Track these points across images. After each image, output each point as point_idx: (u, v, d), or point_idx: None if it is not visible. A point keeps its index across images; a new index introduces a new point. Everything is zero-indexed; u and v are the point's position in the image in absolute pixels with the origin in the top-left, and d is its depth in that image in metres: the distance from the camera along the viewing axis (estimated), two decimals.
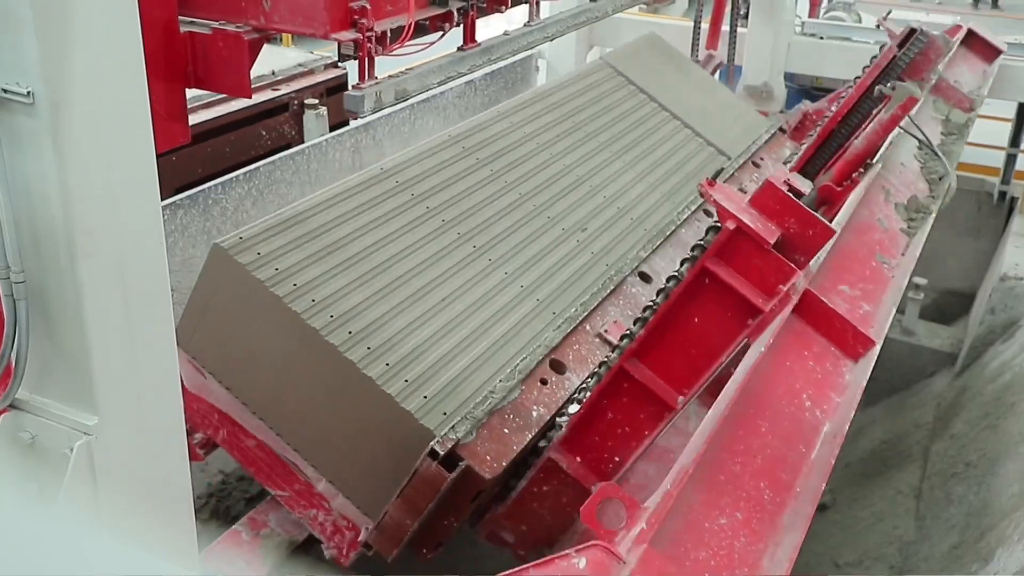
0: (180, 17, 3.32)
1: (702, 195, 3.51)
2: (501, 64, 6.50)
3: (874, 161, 5.30)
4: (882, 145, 5.28)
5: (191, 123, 6.38)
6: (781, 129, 7.54)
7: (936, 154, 5.64)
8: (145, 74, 2.79)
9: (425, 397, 3.77)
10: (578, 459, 4.08)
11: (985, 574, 5.02)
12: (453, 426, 3.70)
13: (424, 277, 4.25)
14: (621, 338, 4.04)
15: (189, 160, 6.07)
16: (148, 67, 2.80)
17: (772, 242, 3.43)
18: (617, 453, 4.05)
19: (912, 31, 5.93)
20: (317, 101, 6.84)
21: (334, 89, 7.16)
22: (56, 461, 2.85)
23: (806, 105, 8.02)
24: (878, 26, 7.19)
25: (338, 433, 3.82)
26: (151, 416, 3.07)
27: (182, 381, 3.65)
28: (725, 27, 8.76)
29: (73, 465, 2.83)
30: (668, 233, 5.51)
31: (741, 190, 6.37)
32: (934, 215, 5.32)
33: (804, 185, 3.76)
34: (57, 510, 2.84)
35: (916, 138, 5.61)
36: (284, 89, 7.05)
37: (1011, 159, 9.69)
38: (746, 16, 8.82)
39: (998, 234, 9.53)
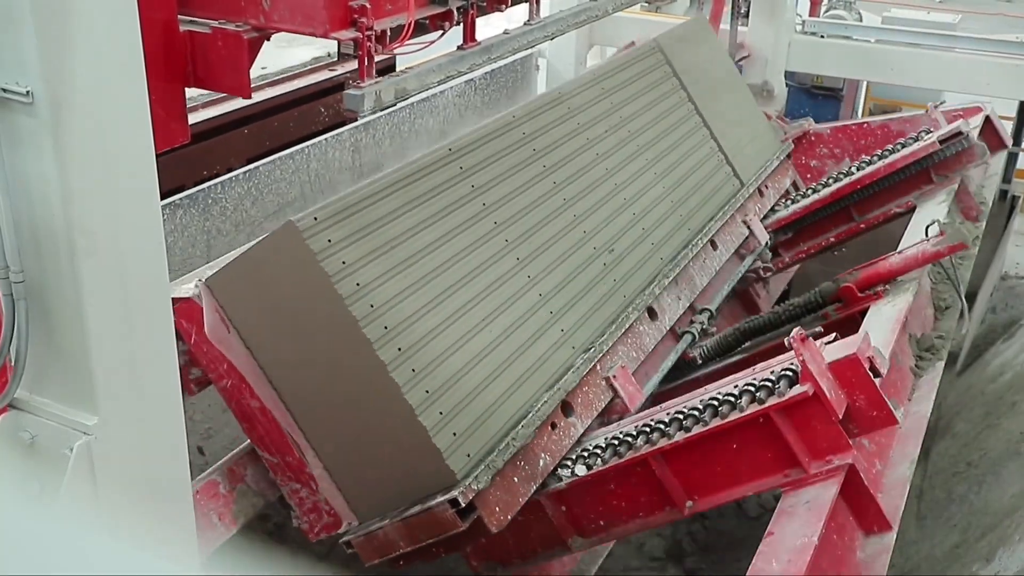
0: (180, 16, 3.31)
1: (790, 347, 3.62)
2: (501, 63, 6.50)
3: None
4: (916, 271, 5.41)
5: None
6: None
7: (958, 293, 5.73)
8: (145, 73, 2.79)
9: (454, 434, 3.75)
10: (563, 509, 4.20)
11: (987, 574, 5.02)
12: (476, 476, 3.68)
13: (470, 290, 4.16)
14: (652, 430, 4.04)
15: (260, 132, 6.91)
16: (148, 66, 2.80)
17: (840, 415, 3.60)
18: (604, 520, 4.16)
19: (958, 133, 6.31)
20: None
21: (384, 70, 7.44)
22: (56, 461, 2.85)
23: (808, 123, 8.05)
24: (926, 111, 7.31)
25: (358, 438, 3.80)
26: (151, 416, 3.07)
27: (201, 327, 3.73)
28: (725, 26, 8.74)
29: (73, 465, 2.83)
30: (679, 269, 5.47)
31: (745, 222, 6.41)
32: (944, 360, 5.29)
33: (883, 364, 3.87)
34: (57, 509, 2.84)
35: (948, 277, 5.68)
36: (340, 70, 7.91)
37: (1012, 158, 9.67)
38: (746, 15, 8.82)
39: (999, 233, 9.52)
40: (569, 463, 4.20)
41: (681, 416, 3.98)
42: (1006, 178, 9.65)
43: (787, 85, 9.19)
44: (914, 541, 6.17)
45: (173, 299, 3.58)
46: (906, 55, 9.12)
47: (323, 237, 3.62)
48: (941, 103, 7.51)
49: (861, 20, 10.70)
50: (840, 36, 9.54)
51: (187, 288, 3.85)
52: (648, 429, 4.06)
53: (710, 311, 5.70)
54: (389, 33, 3.46)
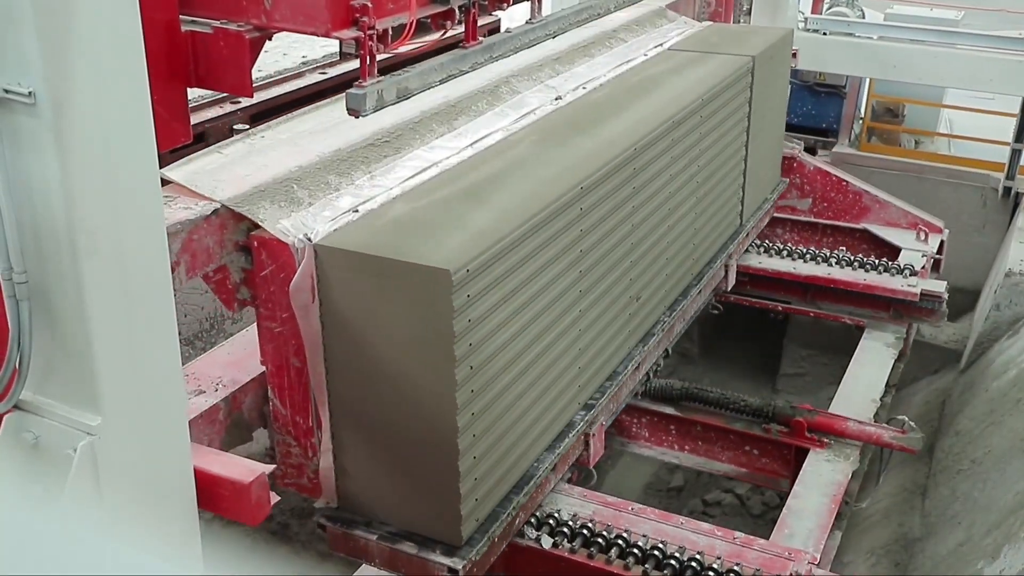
0: (181, 16, 3.31)
1: None
2: None
3: None
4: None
5: (328, 76, 6.03)
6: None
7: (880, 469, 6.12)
8: (146, 74, 2.79)
9: (476, 500, 3.77)
10: (511, 561, 4.30)
11: (991, 571, 5.01)
12: (478, 548, 3.75)
13: (541, 344, 4.07)
14: (626, 549, 4.21)
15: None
16: (149, 67, 2.80)
17: None
18: None
19: (939, 296, 6.92)
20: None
21: (445, 48, 7.41)
22: (60, 461, 2.85)
23: (798, 150, 8.40)
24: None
25: (386, 448, 3.75)
26: (154, 416, 3.07)
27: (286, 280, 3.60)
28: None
29: (76, 465, 2.83)
30: (674, 321, 5.46)
31: (726, 265, 6.30)
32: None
33: None
34: (61, 510, 2.84)
35: (881, 455, 6.00)
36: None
37: (1016, 154, 9.66)
38: (749, 12, 8.81)
39: (1003, 230, 9.50)
40: (533, 520, 4.30)
41: (658, 555, 4.16)
42: (1009, 175, 9.64)
43: (789, 82, 9.18)
44: (919, 539, 6.16)
45: (265, 230, 3.60)
46: (909, 52, 9.12)
47: (463, 292, 3.46)
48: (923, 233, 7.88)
49: (863, 17, 10.67)
50: (842, 33, 9.54)
51: (286, 228, 3.65)
52: (623, 544, 4.21)
53: (667, 351, 5.74)
54: (391, 32, 3.45)
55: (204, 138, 5.66)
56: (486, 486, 3.85)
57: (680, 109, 5.19)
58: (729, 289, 6.64)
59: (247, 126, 5.34)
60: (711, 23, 7.56)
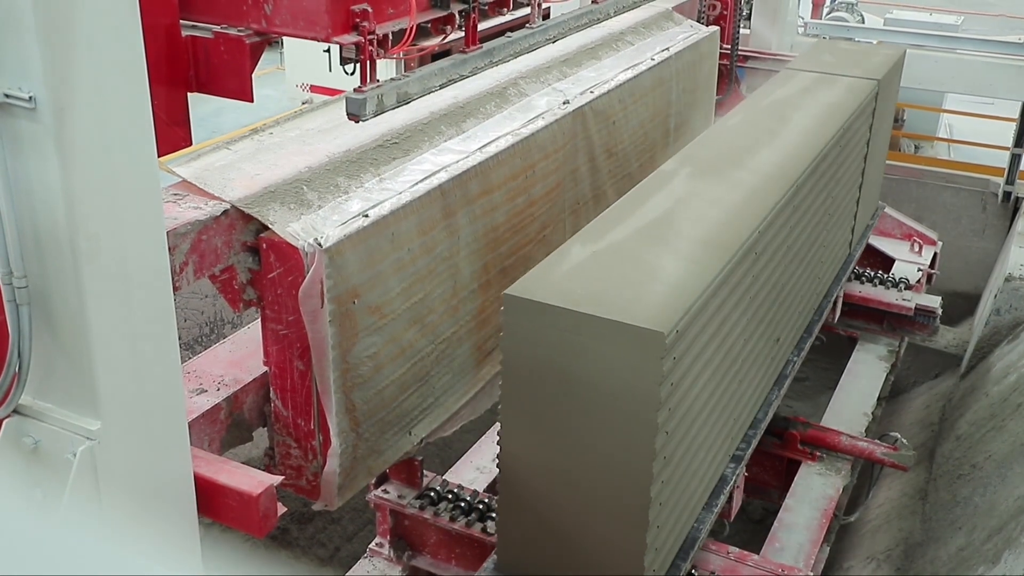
0: (182, 21, 3.31)
1: None
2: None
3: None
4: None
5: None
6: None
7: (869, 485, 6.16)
8: (147, 79, 2.79)
9: (653, 570, 3.60)
10: None
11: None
12: None
13: (716, 412, 3.89)
14: None
15: None
16: (150, 72, 2.80)
17: None
18: None
19: (933, 311, 6.99)
20: None
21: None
22: (59, 466, 2.85)
23: None
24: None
25: (558, 516, 3.53)
26: (154, 421, 3.06)
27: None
28: None
29: (76, 470, 2.83)
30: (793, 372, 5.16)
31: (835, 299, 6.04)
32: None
33: None
34: (60, 515, 2.83)
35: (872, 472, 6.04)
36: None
37: (1016, 159, 9.66)
38: (749, 17, 8.82)
39: (1003, 234, 9.51)
40: None
41: None
42: (1009, 179, 9.64)
43: None
44: (919, 543, 6.15)
45: (274, 232, 3.52)
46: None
47: (672, 355, 3.20)
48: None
49: (863, 22, 10.70)
50: (842, 38, 9.54)
51: (296, 232, 3.60)
52: None
53: None
54: (391, 37, 3.45)
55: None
56: (662, 554, 3.63)
57: (828, 140, 4.98)
58: (836, 321, 6.58)
59: None
60: (817, 40, 7.41)
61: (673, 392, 3.27)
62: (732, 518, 4.54)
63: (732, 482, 4.27)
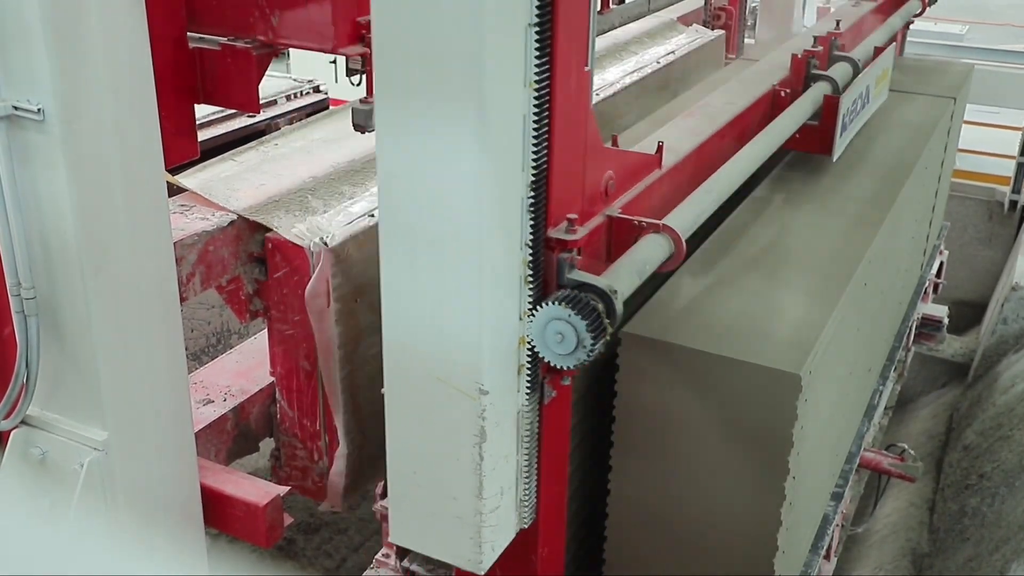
0: (189, 33, 3.33)
1: None
2: None
3: None
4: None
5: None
6: None
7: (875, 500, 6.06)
8: (154, 90, 2.81)
9: None
10: None
11: None
12: None
13: (829, 448, 3.78)
14: None
15: None
16: (157, 83, 2.82)
17: None
18: None
19: (940, 320, 6.73)
20: None
21: None
22: (67, 477, 2.85)
23: None
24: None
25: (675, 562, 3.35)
26: (161, 432, 3.07)
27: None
28: None
29: (84, 481, 2.83)
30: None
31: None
32: None
33: None
34: (68, 525, 2.84)
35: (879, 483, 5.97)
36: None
37: (1021, 168, 9.66)
38: (753, 25, 8.83)
39: (1009, 243, 9.50)
40: None
41: None
42: (1016, 188, 9.64)
43: None
44: (927, 555, 6.13)
45: (280, 234, 3.52)
46: None
47: (804, 397, 3.03)
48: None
49: None
50: None
51: (301, 232, 3.58)
52: None
53: None
54: None
55: None
56: None
57: (916, 160, 4.81)
58: (910, 347, 6.48)
59: None
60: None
61: (802, 435, 3.14)
62: (833, 558, 4.39)
63: (835, 520, 4.11)
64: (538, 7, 2.32)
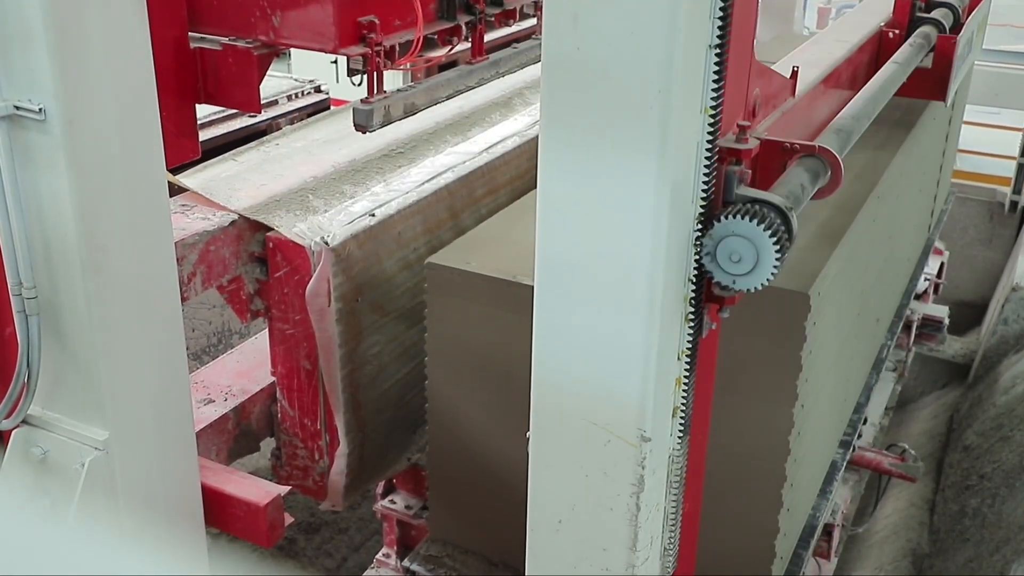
0: (190, 33, 3.33)
1: None
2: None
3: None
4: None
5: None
6: None
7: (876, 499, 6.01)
8: (156, 90, 2.81)
9: (780, 557, 3.41)
10: None
11: None
12: None
13: (840, 384, 3.76)
14: None
15: None
16: (159, 83, 2.82)
17: None
18: None
19: (940, 320, 6.75)
20: None
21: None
22: (68, 476, 2.86)
23: None
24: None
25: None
26: (162, 431, 3.07)
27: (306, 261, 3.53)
28: None
29: (85, 480, 2.83)
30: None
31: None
32: None
33: None
34: (69, 525, 2.84)
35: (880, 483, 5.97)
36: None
37: (1022, 168, 9.65)
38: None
39: (1010, 244, 9.50)
40: None
41: None
42: (1016, 189, 9.64)
43: None
44: (927, 555, 6.13)
45: (281, 233, 3.50)
46: None
47: (812, 319, 3.00)
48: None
49: None
50: None
51: (302, 231, 3.58)
52: None
53: None
54: (398, 48, 3.47)
55: None
56: (787, 542, 3.46)
57: (924, 106, 4.79)
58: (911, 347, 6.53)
59: None
60: None
61: (811, 360, 3.11)
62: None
63: (842, 468, 4.06)
64: (720, 21, 2.01)
